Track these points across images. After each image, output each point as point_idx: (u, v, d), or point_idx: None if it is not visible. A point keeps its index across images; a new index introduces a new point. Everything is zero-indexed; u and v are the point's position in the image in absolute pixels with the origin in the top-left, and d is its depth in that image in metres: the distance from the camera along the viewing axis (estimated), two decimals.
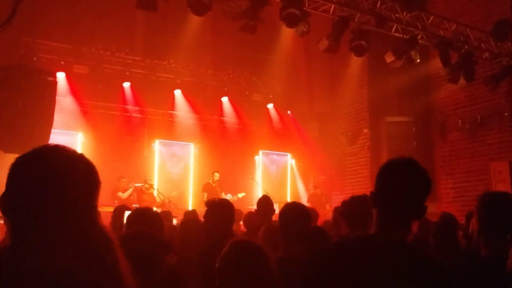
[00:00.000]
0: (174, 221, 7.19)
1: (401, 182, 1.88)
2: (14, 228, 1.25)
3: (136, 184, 11.22)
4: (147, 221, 2.92)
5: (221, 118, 14.13)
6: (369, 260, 1.75)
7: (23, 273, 1.16)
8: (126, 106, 12.57)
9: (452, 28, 9.35)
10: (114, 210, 5.38)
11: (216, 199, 4.03)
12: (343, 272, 1.75)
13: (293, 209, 3.29)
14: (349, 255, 1.79)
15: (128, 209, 5.49)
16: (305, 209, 3.32)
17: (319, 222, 6.89)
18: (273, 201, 5.83)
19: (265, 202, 5.18)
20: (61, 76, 11.16)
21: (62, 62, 11.37)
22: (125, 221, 4.64)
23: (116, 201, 10.47)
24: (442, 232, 4.15)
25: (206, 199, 11.64)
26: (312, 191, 13.81)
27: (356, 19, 8.41)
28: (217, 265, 2.40)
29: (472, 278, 2.46)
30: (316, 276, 1.84)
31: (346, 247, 1.87)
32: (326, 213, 11.31)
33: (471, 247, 3.01)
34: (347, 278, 1.74)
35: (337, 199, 13.38)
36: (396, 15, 8.63)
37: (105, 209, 9.64)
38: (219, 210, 3.78)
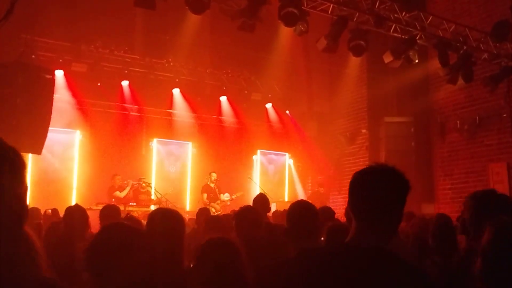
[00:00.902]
0: None
1: (366, 191, 1.88)
2: None
3: (133, 182, 11.22)
4: (167, 221, 2.93)
5: (220, 117, 14.12)
6: (342, 266, 1.75)
7: None
8: (124, 105, 12.55)
9: (451, 29, 9.34)
10: (101, 210, 5.35)
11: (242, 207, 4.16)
12: (316, 279, 1.75)
13: (301, 208, 3.30)
14: (321, 262, 1.80)
15: (118, 210, 5.49)
16: (313, 207, 3.33)
17: None
18: (271, 200, 5.83)
19: (261, 200, 5.17)
20: (59, 74, 11.13)
21: (61, 60, 11.34)
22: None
23: (114, 200, 10.46)
24: (441, 233, 4.14)
25: (206, 200, 11.68)
26: (315, 189, 13.77)
27: (355, 19, 8.41)
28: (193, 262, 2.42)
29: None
30: (290, 283, 1.85)
31: (318, 254, 1.89)
32: None
33: (470, 247, 3.01)
34: (320, 285, 1.74)
35: (335, 199, 13.37)
36: (395, 15, 8.62)
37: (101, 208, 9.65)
38: (246, 219, 3.89)
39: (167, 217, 3.00)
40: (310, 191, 14.04)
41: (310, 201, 11.35)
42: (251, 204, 5.51)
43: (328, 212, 5.17)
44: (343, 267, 1.75)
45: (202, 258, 2.42)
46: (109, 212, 5.05)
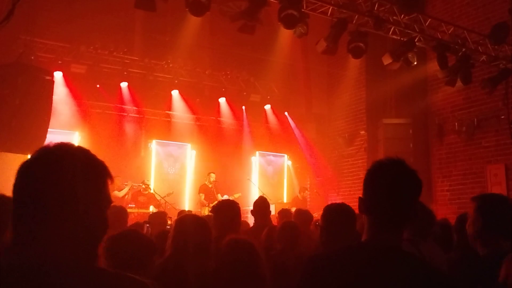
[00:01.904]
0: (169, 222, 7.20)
1: (388, 186, 1.81)
2: (17, 225, 1.27)
3: (133, 184, 11.22)
4: (194, 229, 2.97)
5: (218, 118, 14.14)
6: (362, 268, 1.69)
7: (22, 267, 1.19)
8: (123, 106, 12.56)
9: (450, 31, 9.36)
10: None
11: (218, 202, 4.12)
12: (336, 281, 1.71)
13: (338, 210, 3.34)
14: (341, 264, 1.74)
15: (126, 212, 5.49)
16: (351, 211, 3.36)
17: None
18: (269, 202, 5.83)
19: (262, 203, 5.18)
20: (58, 75, 11.14)
21: (60, 61, 11.35)
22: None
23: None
24: (440, 235, 4.16)
25: (203, 200, 11.69)
26: (295, 195, 13.64)
27: (354, 21, 8.41)
28: (214, 262, 2.44)
29: (471, 278, 2.49)
30: (308, 285, 1.80)
31: (338, 256, 1.82)
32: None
33: (468, 248, 3.02)
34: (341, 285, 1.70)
35: (334, 201, 13.36)
36: (394, 17, 8.63)
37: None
38: (225, 211, 3.87)
39: (191, 224, 3.04)
40: (295, 195, 13.76)
41: (294, 207, 11.18)
42: (250, 205, 5.53)
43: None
44: (364, 269, 1.70)
45: (224, 257, 2.43)
46: (116, 213, 5.03)
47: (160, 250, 3.09)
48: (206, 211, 11.41)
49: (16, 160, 10.34)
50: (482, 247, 2.60)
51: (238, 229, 3.87)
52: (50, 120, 8.80)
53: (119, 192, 10.87)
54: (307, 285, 1.80)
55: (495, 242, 2.50)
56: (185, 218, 3.15)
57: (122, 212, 5.17)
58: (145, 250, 2.37)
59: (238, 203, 4.16)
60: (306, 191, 13.36)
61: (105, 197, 1.33)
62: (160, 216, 5.97)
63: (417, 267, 1.73)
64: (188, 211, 8.50)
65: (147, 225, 4.55)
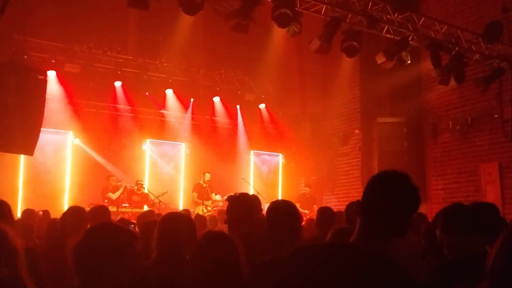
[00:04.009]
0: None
1: (387, 195, 1.85)
2: None
3: (127, 185, 11.20)
4: (178, 227, 2.94)
5: (213, 118, 14.12)
6: (339, 267, 1.72)
7: None
8: (117, 106, 12.52)
9: (443, 30, 9.39)
10: (89, 211, 5.29)
11: (237, 194, 4.02)
12: (312, 278, 1.72)
13: (282, 207, 3.27)
14: (320, 261, 1.76)
15: (108, 210, 5.43)
16: (295, 207, 3.31)
17: (304, 222, 6.98)
18: (264, 201, 5.83)
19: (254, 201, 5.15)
20: (51, 74, 11.09)
21: (53, 61, 11.30)
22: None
23: (106, 201, 10.45)
24: (433, 234, 4.15)
25: (196, 199, 11.68)
26: (301, 191, 13.77)
27: (348, 20, 8.42)
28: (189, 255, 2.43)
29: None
30: (284, 281, 1.82)
31: (318, 252, 1.85)
32: (313, 214, 11.33)
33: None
34: (316, 284, 1.71)
35: (329, 200, 13.40)
36: (388, 16, 8.65)
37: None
38: (241, 204, 3.82)
39: (176, 221, 3.01)
40: (301, 192, 13.94)
41: (298, 203, 11.30)
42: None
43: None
44: (339, 268, 1.72)
45: (199, 252, 2.43)
46: (98, 213, 4.98)
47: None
48: (199, 210, 11.42)
49: (9, 159, 10.30)
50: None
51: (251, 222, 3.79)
52: (44, 119, 8.77)
53: (113, 194, 10.84)
54: (291, 273, 1.81)
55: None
56: (169, 217, 3.11)
57: (104, 211, 5.11)
58: (124, 238, 2.32)
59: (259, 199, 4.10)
60: (306, 187, 13.40)
61: None
62: (149, 215, 5.91)
63: (393, 275, 1.72)
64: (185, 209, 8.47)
65: (132, 225, 4.51)
